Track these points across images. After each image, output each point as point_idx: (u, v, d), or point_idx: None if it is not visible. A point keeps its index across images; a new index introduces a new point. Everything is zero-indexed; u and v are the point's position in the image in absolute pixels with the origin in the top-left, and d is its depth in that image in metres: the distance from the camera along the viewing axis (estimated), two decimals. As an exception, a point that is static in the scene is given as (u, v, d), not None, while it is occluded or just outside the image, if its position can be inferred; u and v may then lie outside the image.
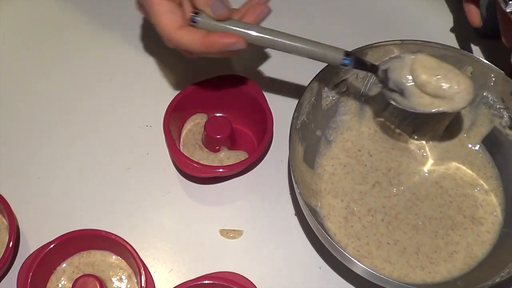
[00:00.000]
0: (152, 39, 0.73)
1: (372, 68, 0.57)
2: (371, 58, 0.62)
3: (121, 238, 0.56)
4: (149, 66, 0.71)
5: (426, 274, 0.58)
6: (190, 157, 0.62)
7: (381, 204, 0.61)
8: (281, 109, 0.65)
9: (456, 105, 0.56)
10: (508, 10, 0.56)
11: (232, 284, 0.54)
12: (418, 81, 0.55)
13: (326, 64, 0.59)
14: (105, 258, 0.58)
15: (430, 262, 0.58)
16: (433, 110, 0.56)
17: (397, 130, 0.65)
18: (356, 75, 0.63)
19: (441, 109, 0.56)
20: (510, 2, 0.56)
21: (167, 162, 0.65)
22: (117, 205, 0.62)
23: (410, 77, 0.56)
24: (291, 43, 0.56)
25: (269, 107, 0.64)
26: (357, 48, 0.61)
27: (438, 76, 0.55)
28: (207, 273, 0.57)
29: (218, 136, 0.63)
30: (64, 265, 0.58)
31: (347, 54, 0.56)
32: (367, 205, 0.61)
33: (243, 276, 0.56)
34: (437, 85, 0.55)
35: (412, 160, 0.64)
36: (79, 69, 0.70)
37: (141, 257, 0.56)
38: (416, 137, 0.65)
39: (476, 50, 0.62)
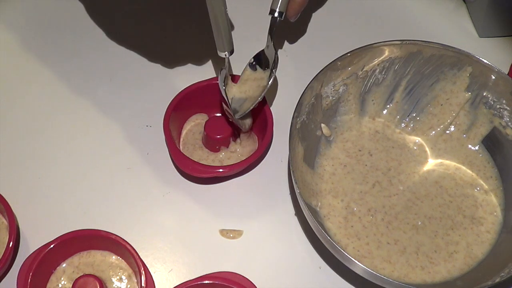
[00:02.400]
0: (153, 39, 0.73)
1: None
2: (371, 58, 0.62)
3: (121, 238, 0.56)
4: (149, 66, 0.71)
5: (426, 274, 0.57)
6: (190, 157, 0.62)
7: (381, 204, 0.61)
8: (281, 109, 0.65)
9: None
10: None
11: (232, 284, 0.54)
12: None
13: (326, 64, 0.60)
14: (105, 258, 0.58)
15: (430, 262, 0.58)
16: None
17: (397, 130, 0.65)
18: (356, 75, 0.63)
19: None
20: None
21: (167, 162, 0.65)
22: (117, 205, 0.62)
23: None
24: (215, 16, 0.57)
25: (269, 107, 0.64)
26: (357, 48, 0.61)
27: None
28: (207, 273, 0.57)
29: (218, 136, 0.63)
30: (64, 265, 0.58)
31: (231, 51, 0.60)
32: (367, 205, 0.61)
33: (243, 276, 0.56)
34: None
35: (412, 160, 0.64)
36: (79, 69, 0.70)
37: (141, 257, 0.56)
38: (416, 137, 0.65)
39: (476, 50, 0.62)
